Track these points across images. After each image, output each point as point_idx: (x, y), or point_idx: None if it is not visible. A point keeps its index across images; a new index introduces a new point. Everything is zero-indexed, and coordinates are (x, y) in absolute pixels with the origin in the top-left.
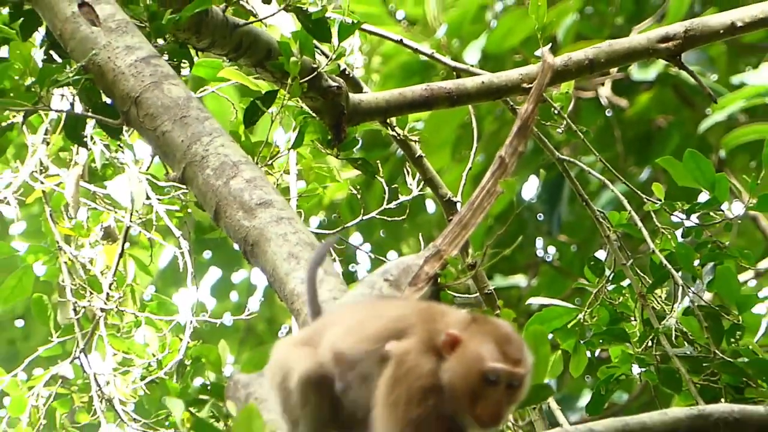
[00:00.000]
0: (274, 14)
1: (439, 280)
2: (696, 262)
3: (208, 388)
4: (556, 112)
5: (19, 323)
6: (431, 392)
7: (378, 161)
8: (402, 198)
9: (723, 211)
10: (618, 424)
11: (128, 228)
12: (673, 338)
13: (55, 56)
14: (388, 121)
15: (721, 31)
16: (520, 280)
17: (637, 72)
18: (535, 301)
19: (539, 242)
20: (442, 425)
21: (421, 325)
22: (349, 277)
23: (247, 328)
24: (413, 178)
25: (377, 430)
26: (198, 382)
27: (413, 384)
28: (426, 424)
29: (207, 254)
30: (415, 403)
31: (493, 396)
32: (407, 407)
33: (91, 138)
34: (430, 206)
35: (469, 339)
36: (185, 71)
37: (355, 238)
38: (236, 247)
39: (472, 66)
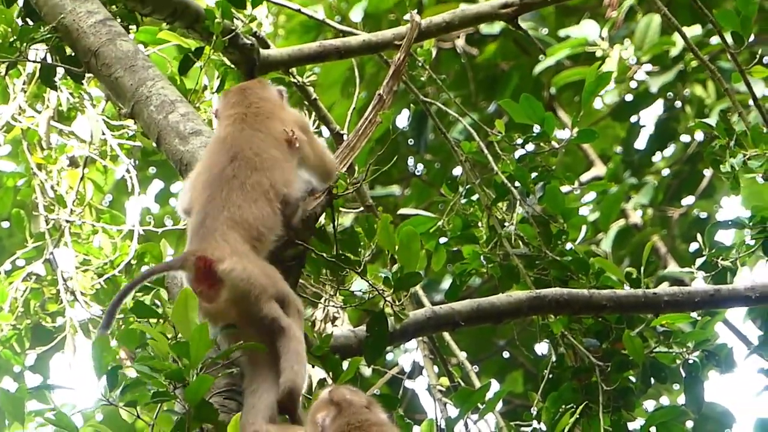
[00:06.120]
0: None
1: (332, 190)
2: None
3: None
4: (420, 64)
5: (5, 224)
6: None
7: None
8: None
9: (550, 141)
10: (473, 304)
11: (87, 157)
12: (512, 241)
13: (29, 21)
14: (290, 70)
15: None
16: (395, 189)
17: (485, 27)
18: (405, 211)
19: (410, 160)
20: None
21: None
22: None
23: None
24: (310, 117)
25: None
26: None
27: None
28: None
29: (152, 170)
30: None
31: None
32: None
33: (59, 88)
34: (325, 133)
35: None
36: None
37: None
38: (174, 166)
39: (355, 24)
